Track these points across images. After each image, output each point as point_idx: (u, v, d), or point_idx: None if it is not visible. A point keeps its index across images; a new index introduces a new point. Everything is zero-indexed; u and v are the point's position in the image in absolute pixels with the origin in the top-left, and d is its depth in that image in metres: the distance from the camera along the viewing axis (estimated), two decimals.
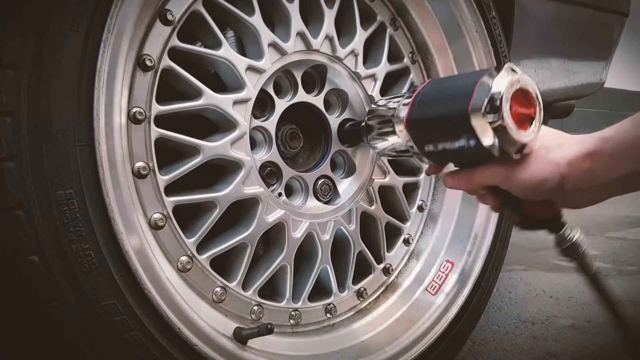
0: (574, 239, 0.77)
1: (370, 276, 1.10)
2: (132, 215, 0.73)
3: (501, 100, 0.68)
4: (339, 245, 1.04)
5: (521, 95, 0.71)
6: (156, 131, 0.79)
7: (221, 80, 0.90)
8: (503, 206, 0.80)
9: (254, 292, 0.90)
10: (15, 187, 0.62)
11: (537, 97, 0.73)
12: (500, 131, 0.69)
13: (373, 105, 0.95)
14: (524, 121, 0.72)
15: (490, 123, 0.68)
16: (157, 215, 0.79)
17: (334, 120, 1.03)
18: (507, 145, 0.70)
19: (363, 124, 0.96)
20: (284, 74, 0.97)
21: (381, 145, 0.91)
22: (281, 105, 0.95)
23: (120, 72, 0.72)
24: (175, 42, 0.81)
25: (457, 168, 0.82)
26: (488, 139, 0.70)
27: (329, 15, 0.99)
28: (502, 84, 0.69)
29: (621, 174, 0.68)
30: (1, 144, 0.62)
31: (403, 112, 0.80)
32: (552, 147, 0.73)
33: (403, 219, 1.16)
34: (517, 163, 0.73)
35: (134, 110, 0.77)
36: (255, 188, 0.89)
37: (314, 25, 0.99)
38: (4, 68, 0.62)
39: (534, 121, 0.73)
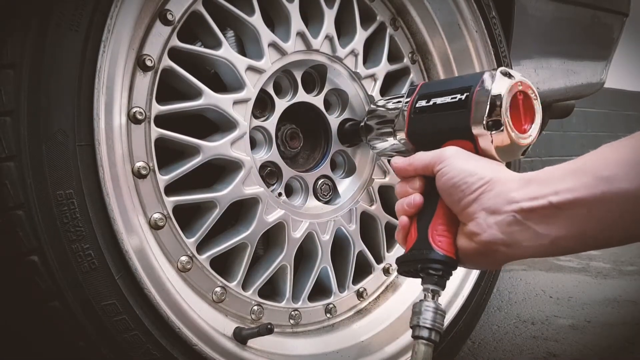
0: (438, 307, 0.68)
1: (370, 276, 1.10)
2: (132, 215, 0.73)
3: (501, 109, 0.68)
4: (339, 245, 1.04)
5: (520, 98, 0.71)
6: (156, 131, 0.79)
7: (221, 80, 0.90)
8: (424, 194, 0.73)
9: (254, 292, 0.90)
10: (15, 187, 0.62)
11: (536, 97, 0.73)
12: (501, 137, 0.69)
13: (372, 106, 0.94)
14: (525, 122, 0.72)
15: (492, 133, 0.69)
16: (157, 215, 0.79)
17: (334, 120, 1.03)
18: (507, 149, 0.70)
19: (362, 124, 0.96)
20: (284, 74, 0.97)
21: (381, 145, 0.91)
22: (281, 105, 0.95)
23: (120, 72, 0.72)
24: (175, 42, 0.81)
25: None
26: (488, 145, 0.70)
27: (329, 15, 0.99)
28: (500, 89, 0.69)
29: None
30: (1, 144, 0.62)
31: (402, 120, 0.80)
32: (500, 167, 0.69)
33: None
34: (465, 155, 0.70)
35: (134, 110, 0.77)
36: (255, 188, 0.89)
37: (314, 25, 0.99)
38: (4, 68, 0.62)
39: (534, 122, 0.72)
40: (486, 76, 0.71)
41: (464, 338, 1.14)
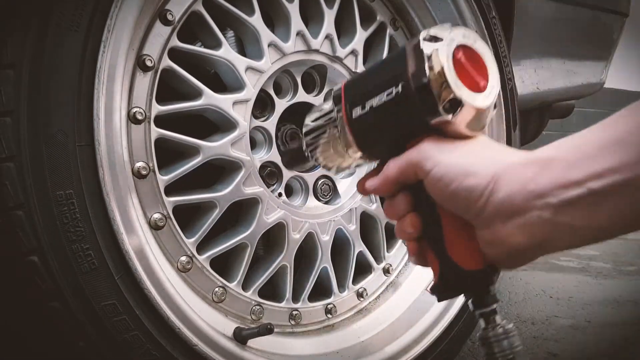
0: (503, 330, 0.57)
1: (370, 276, 1.10)
2: (132, 215, 0.73)
3: (449, 84, 0.55)
4: (339, 245, 1.04)
5: (461, 56, 0.57)
6: (156, 131, 0.79)
7: (221, 80, 0.90)
8: (417, 209, 0.61)
9: (254, 292, 0.90)
10: (15, 187, 0.62)
11: (477, 43, 0.59)
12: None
13: (305, 128, 0.73)
14: (479, 78, 0.58)
15: (454, 115, 0.56)
16: (157, 215, 0.79)
17: None
18: (476, 119, 0.57)
19: (304, 147, 0.74)
20: (284, 74, 0.97)
21: (337, 166, 0.71)
22: (281, 105, 0.95)
23: (120, 72, 0.72)
24: (175, 42, 0.81)
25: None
26: (454, 128, 0.57)
27: (329, 15, 0.99)
28: (436, 62, 0.55)
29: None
30: (1, 145, 0.62)
31: (346, 135, 0.65)
32: (495, 148, 0.57)
33: None
34: (447, 147, 0.57)
35: (134, 110, 0.77)
36: (255, 188, 0.89)
37: (313, 25, 0.99)
38: (4, 68, 0.62)
39: (489, 70, 0.58)
40: (409, 52, 0.57)
41: (463, 338, 1.14)
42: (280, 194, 0.95)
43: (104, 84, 0.69)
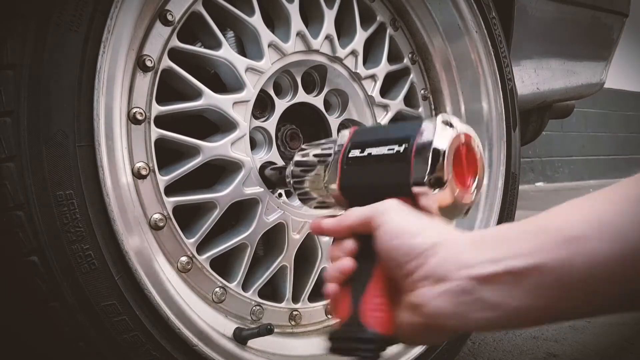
0: None
1: None
2: (132, 215, 0.73)
3: (443, 164, 0.59)
4: None
5: (463, 151, 0.62)
6: (156, 131, 0.79)
7: (221, 80, 0.90)
8: (358, 258, 0.62)
9: (254, 292, 0.90)
10: (15, 187, 0.62)
11: (479, 149, 0.64)
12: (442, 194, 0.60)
13: (299, 152, 0.78)
14: (468, 177, 0.63)
15: (434, 192, 0.60)
16: (157, 216, 0.79)
17: (334, 121, 1.04)
18: (450, 209, 0.62)
19: (288, 171, 0.80)
20: (284, 75, 0.97)
21: (309, 197, 0.77)
22: (281, 105, 0.95)
23: (120, 73, 0.72)
24: (175, 42, 0.81)
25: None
26: (430, 204, 0.61)
27: (329, 16, 0.99)
28: (442, 142, 0.60)
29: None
30: (1, 145, 0.62)
31: (335, 171, 0.69)
32: (443, 225, 0.59)
33: None
34: (404, 210, 0.60)
35: (134, 110, 0.77)
36: (255, 188, 0.89)
37: (314, 26, 0.99)
38: (4, 68, 0.62)
39: (476, 177, 0.64)
40: (426, 126, 0.62)
41: (464, 338, 1.14)
42: (280, 195, 0.95)
43: (103, 84, 0.69)
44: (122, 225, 0.70)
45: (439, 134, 0.60)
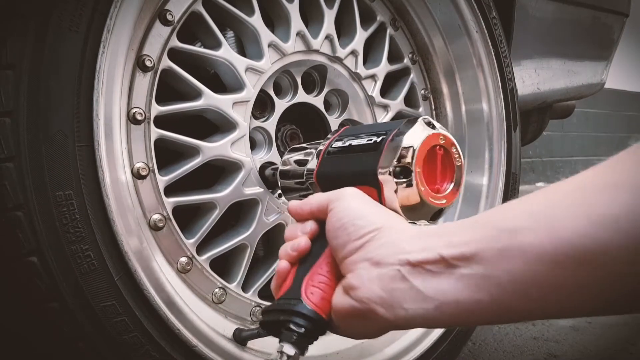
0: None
1: None
2: (132, 216, 0.73)
3: (413, 157, 0.60)
4: None
5: (439, 153, 0.63)
6: (156, 132, 0.79)
7: (221, 80, 0.90)
8: (313, 240, 0.63)
9: (254, 293, 0.90)
10: (14, 188, 0.62)
11: (459, 157, 0.64)
12: (407, 189, 0.61)
13: (286, 155, 0.82)
14: (441, 181, 0.64)
15: (398, 182, 0.60)
16: (156, 216, 0.78)
17: (334, 121, 1.03)
18: (415, 208, 0.62)
19: (279, 169, 0.84)
20: (284, 75, 0.97)
21: (291, 193, 0.81)
22: (281, 105, 0.95)
23: (119, 73, 0.72)
24: (175, 42, 0.81)
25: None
26: (393, 195, 0.62)
27: (329, 16, 0.99)
28: (415, 136, 0.61)
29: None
30: (0, 145, 0.62)
31: (315, 161, 0.72)
32: (393, 215, 0.59)
33: None
34: (358, 196, 0.61)
35: (134, 110, 0.76)
36: (255, 189, 0.89)
37: (314, 26, 0.99)
38: (4, 68, 0.62)
39: (452, 182, 0.64)
40: (406, 122, 0.64)
41: (464, 339, 1.14)
42: (280, 195, 0.95)
43: (103, 84, 0.69)
44: (122, 226, 0.70)
45: (415, 129, 0.62)
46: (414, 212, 0.61)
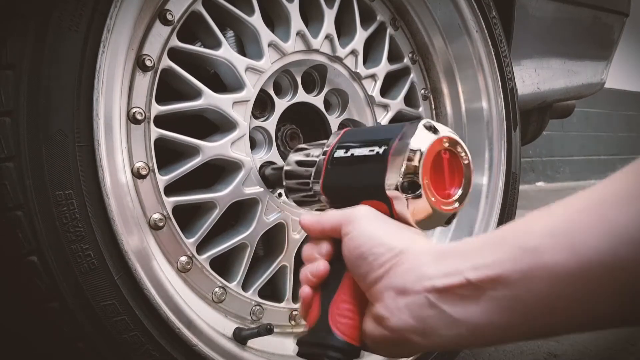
0: None
1: None
2: (132, 215, 0.73)
3: (419, 168, 0.57)
4: None
5: (445, 157, 0.60)
6: (156, 131, 0.79)
7: (221, 80, 0.90)
8: (332, 261, 0.61)
9: (254, 292, 0.90)
10: (14, 187, 0.62)
11: (466, 156, 0.62)
12: (417, 199, 0.59)
13: (294, 151, 0.80)
14: (450, 186, 0.61)
15: (408, 197, 0.58)
16: (156, 216, 0.79)
17: (334, 121, 1.03)
18: (428, 218, 0.60)
19: (284, 169, 0.82)
20: (284, 74, 0.97)
21: (297, 195, 0.79)
22: (281, 105, 0.95)
23: (119, 72, 0.72)
24: (175, 42, 0.81)
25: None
26: (404, 210, 0.60)
27: (329, 15, 0.99)
28: (419, 144, 0.58)
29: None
30: (1, 145, 0.62)
31: (320, 170, 0.69)
32: (411, 234, 0.57)
33: None
34: (373, 216, 0.59)
35: (134, 110, 0.77)
36: (255, 188, 0.89)
37: (314, 25, 0.99)
38: (4, 68, 0.62)
39: (461, 185, 0.62)
40: (406, 128, 0.61)
41: None
42: (280, 194, 0.95)
43: (103, 84, 0.69)
44: (122, 225, 0.70)
45: (418, 136, 0.59)
46: (428, 222, 0.60)
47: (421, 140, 0.58)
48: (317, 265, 0.61)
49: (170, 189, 0.81)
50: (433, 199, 0.59)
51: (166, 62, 0.80)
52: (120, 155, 0.72)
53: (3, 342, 0.71)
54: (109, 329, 0.68)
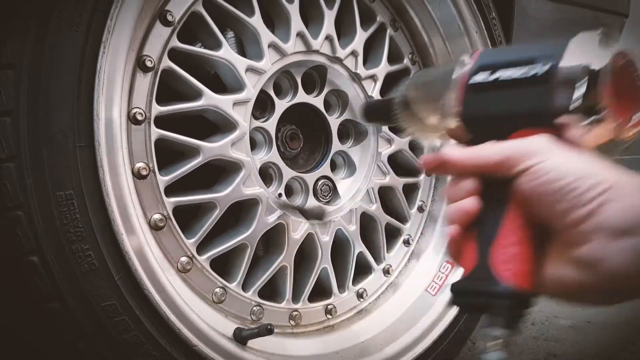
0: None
1: (370, 277, 1.10)
2: (132, 215, 0.73)
3: (601, 90, 0.49)
4: (339, 246, 1.04)
5: (626, 75, 0.51)
6: (156, 132, 0.79)
7: (221, 81, 0.90)
8: (484, 199, 0.54)
9: (254, 292, 0.90)
10: (15, 187, 0.62)
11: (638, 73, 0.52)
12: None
13: (414, 75, 0.72)
14: (630, 108, 0.52)
15: (586, 123, 0.50)
16: (157, 216, 0.79)
17: (334, 121, 1.03)
18: (604, 148, 0.51)
19: (398, 99, 0.70)
20: (284, 75, 0.97)
21: (415, 129, 0.68)
22: (281, 105, 0.95)
23: (120, 73, 0.72)
24: (175, 42, 0.81)
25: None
26: (580, 139, 0.51)
27: (329, 16, 0.99)
28: (599, 61, 0.50)
29: None
30: (1, 145, 0.62)
31: (454, 99, 0.59)
32: (608, 162, 0.49)
33: (403, 219, 1.16)
34: (561, 147, 0.50)
35: (134, 111, 0.77)
36: (255, 189, 0.89)
37: (314, 26, 0.99)
38: (4, 68, 0.62)
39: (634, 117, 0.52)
40: (576, 42, 0.51)
41: (464, 338, 1.14)
42: (280, 195, 0.95)
43: (103, 84, 0.69)
44: (122, 226, 0.70)
45: (594, 50, 0.50)
46: (604, 150, 0.52)
47: (599, 55, 0.50)
48: (467, 202, 0.53)
49: (171, 190, 0.81)
50: (615, 124, 0.50)
51: (166, 62, 0.80)
52: (121, 155, 0.72)
53: (3, 342, 0.71)
54: (109, 329, 0.68)
